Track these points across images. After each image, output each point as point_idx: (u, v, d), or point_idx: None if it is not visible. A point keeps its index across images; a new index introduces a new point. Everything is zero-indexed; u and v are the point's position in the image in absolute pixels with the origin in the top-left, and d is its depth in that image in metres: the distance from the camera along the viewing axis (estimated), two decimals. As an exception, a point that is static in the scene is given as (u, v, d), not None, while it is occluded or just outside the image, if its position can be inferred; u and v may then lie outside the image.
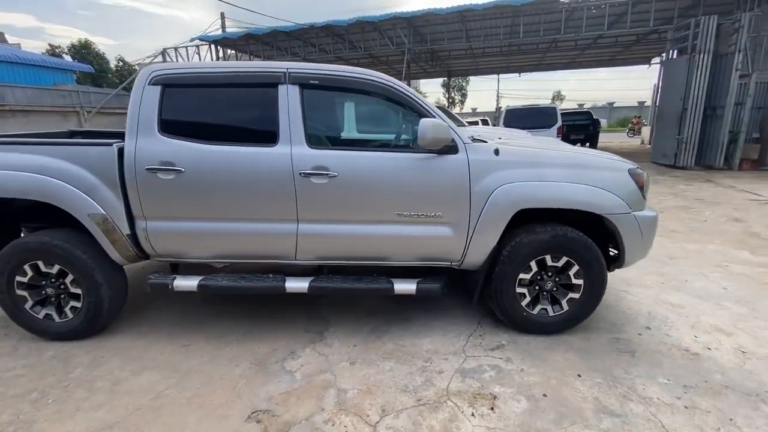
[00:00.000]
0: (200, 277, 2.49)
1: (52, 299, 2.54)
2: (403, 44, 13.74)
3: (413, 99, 2.39)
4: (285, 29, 13.46)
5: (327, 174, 2.29)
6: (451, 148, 2.32)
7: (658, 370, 2.24)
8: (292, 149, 2.31)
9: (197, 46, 15.37)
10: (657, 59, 19.97)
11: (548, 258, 2.45)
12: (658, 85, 20.29)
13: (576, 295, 2.51)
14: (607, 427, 1.82)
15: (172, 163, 2.29)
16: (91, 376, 2.23)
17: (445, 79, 30.33)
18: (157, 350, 2.48)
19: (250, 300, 3.05)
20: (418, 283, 2.50)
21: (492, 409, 1.95)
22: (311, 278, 2.52)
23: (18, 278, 2.45)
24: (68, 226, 2.49)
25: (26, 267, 2.43)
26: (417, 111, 2.39)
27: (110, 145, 2.34)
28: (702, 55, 9.72)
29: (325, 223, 2.40)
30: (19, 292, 2.48)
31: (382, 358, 2.39)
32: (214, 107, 2.43)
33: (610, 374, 2.21)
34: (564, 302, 2.53)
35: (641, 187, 2.46)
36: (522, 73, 25.63)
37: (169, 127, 2.34)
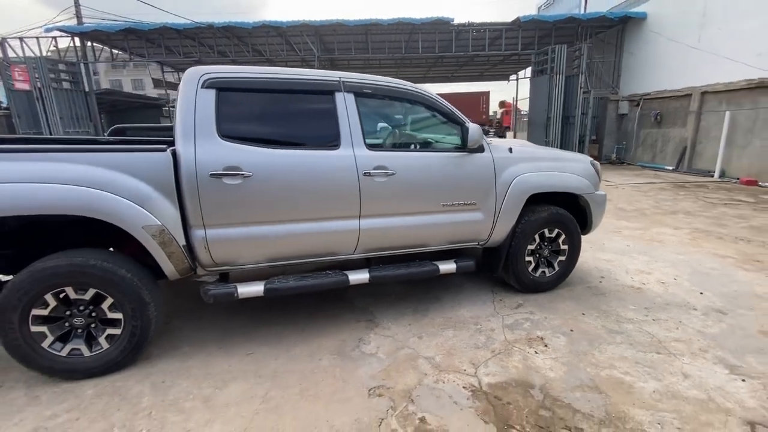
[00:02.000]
0: (263, 282, 2.47)
1: (79, 331, 2.19)
2: (309, 51, 13.86)
3: (446, 107, 2.83)
4: (177, 26, 12.21)
5: (386, 172, 2.57)
6: (479, 148, 2.84)
7: (625, 302, 3.14)
8: (354, 151, 2.51)
9: (54, 38, 12.73)
10: (514, 76, 24.37)
11: (546, 231, 3.17)
12: (517, 97, 24.83)
13: (563, 258, 3.30)
14: (621, 341, 2.57)
15: (238, 168, 2.25)
16: (168, 400, 2.05)
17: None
18: (221, 364, 2.37)
19: (280, 304, 3.05)
20: (455, 262, 2.95)
21: (546, 346, 2.53)
22: (367, 269, 2.73)
23: (35, 311, 2.06)
24: (75, 245, 2.19)
25: (48, 297, 2.07)
26: (450, 117, 2.84)
27: (163, 150, 2.18)
28: (558, 76, 12.40)
29: (383, 218, 2.66)
30: (36, 328, 2.08)
31: (441, 329, 2.76)
32: (272, 112, 2.45)
33: (600, 309, 3.02)
34: (556, 264, 3.29)
35: (597, 173, 3.38)
36: (410, 84, 28.10)
37: (229, 131, 2.29)
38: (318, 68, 14.30)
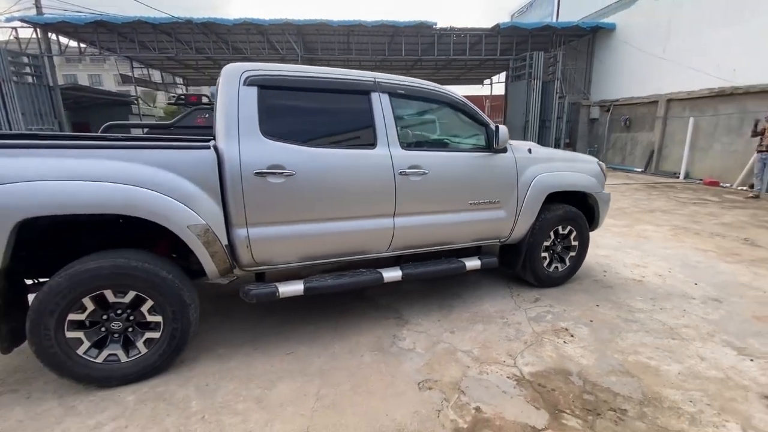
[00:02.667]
0: (302, 281, 2.46)
1: (116, 335, 2.10)
2: (291, 51, 13.70)
3: (472, 108, 2.93)
4: (152, 21, 11.70)
5: (420, 172, 2.63)
6: (503, 148, 2.96)
7: (631, 293, 3.36)
8: (390, 150, 2.55)
9: (14, 29, 11.84)
10: (488, 81, 25.12)
11: (560, 228, 3.34)
12: (489, 100, 25.62)
13: (574, 253, 3.48)
14: (637, 329, 2.76)
15: (281, 167, 2.24)
16: (218, 403, 2.01)
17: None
18: (263, 364, 2.34)
19: (308, 304, 3.03)
20: (480, 258, 3.05)
21: (572, 336, 2.68)
22: (399, 267, 2.78)
23: (71, 316, 1.97)
24: (99, 247, 2.10)
25: (86, 300, 1.97)
26: (475, 118, 2.94)
27: (207, 147, 2.14)
28: (535, 81, 12.96)
29: (416, 216, 2.71)
30: (72, 334, 1.98)
31: (470, 323, 2.85)
32: (312, 111, 2.45)
33: (611, 300, 3.22)
34: (567, 259, 3.47)
35: (603, 173, 3.60)
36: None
37: (271, 129, 2.27)
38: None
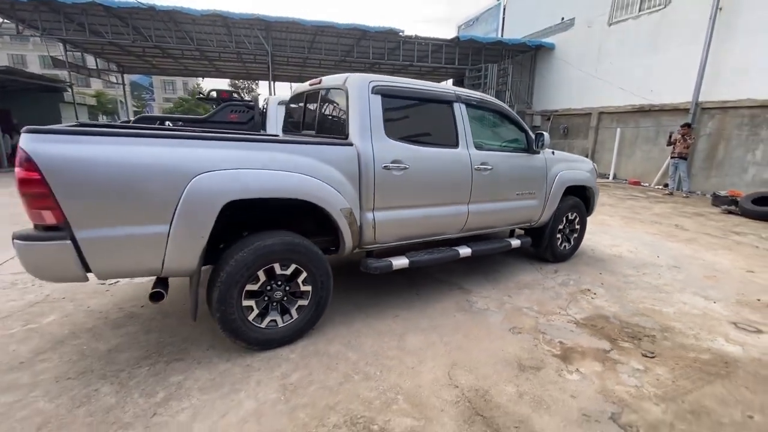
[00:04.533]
0: (404, 256, 2.98)
1: (274, 303, 2.45)
2: (258, 46, 13.50)
3: (518, 118, 3.67)
4: (108, 3, 10.81)
5: (488, 167, 3.29)
6: (538, 150, 3.74)
7: (619, 264, 4.38)
8: (468, 150, 3.18)
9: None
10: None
11: (569, 214, 4.24)
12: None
13: (577, 235, 4.41)
14: (635, 287, 3.71)
15: (401, 161, 2.75)
16: (369, 352, 2.47)
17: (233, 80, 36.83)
18: (382, 325, 2.82)
19: (379, 282, 3.53)
20: (519, 239, 3.81)
21: (595, 294, 3.54)
22: (467, 245, 3.41)
23: (248, 287, 2.29)
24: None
25: (260, 272, 2.31)
26: (519, 126, 3.68)
27: (351, 145, 2.57)
28: (490, 91, 14.36)
29: (482, 203, 3.36)
30: (246, 302, 2.31)
31: (518, 289, 3.58)
32: (416, 116, 2.97)
33: (608, 270, 4.18)
34: (572, 239, 4.39)
35: (596, 171, 4.58)
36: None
37: (390, 131, 2.76)
38: (271, 66, 14.02)
